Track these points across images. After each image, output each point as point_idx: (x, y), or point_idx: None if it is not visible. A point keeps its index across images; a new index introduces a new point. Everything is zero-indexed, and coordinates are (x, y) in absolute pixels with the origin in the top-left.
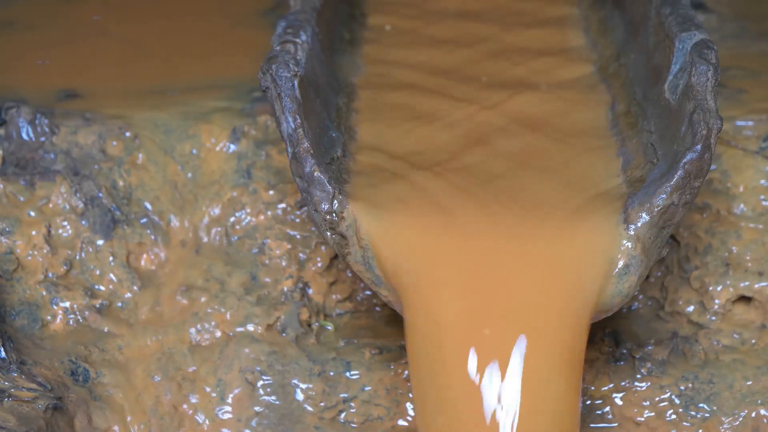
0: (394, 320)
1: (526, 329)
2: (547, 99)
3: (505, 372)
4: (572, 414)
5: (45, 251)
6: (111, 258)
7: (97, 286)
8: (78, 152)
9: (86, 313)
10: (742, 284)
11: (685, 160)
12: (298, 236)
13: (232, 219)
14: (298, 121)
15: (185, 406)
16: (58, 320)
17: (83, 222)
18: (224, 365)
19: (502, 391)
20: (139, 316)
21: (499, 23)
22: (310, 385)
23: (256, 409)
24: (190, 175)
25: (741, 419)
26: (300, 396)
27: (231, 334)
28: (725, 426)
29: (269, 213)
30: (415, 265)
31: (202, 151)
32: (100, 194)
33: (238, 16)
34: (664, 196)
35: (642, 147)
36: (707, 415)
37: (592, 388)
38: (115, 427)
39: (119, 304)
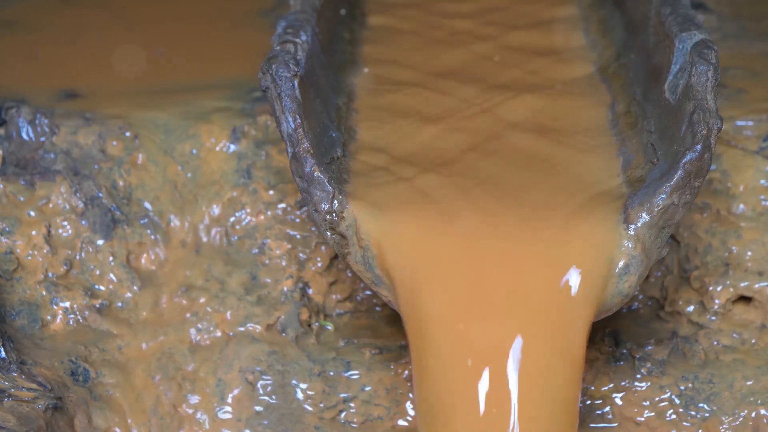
0: (394, 320)
1: (526, 329)
2: (547, 99)
3: (505, 372)
4: (571, 414)
5: (45, 251)
6: (111, 258)
7: (97, 286)
8: (78, 152)
9: (86, 313)
10: (742, 284)
11: (685, 160)
12: (298, 236)
13: (232, 219)
14: (298, 121)
15: (185, 406)
16: (58, 320)
17: (83, 222)
18: (224, 365)
19: (502, 391)
20: (139, 316)
21: (499, 24)
22: (310, 385)
23: (256, 409)
24: (190, 175)
25: (741, 419)
26: (300, 396)
27: (231, 334)
28: (725, 426)
29: (269, 213)
30: (415, 265)
31: (202, 151)
32: (100, 194)
33: (238, 17)
34: (664, 196)
35: (642, 147)
36: (707, 415)
37: (592, 388)
38: (116, 428)
39: (119, 304)
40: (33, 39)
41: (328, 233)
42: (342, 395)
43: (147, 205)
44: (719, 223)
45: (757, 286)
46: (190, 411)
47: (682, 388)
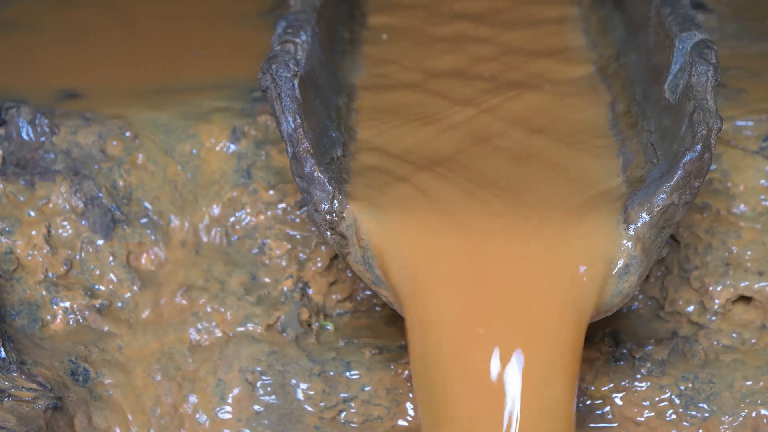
0: (394, 320)
1: (526, 328)
2: (548, 99)
3: (505, 371)
4: (569, 412)
5: (45, 251)
6: (111, 258)
7: (97, 286)
8: (78, 152)
9: (86, 313)
10: (742, 284)
11: (685, 160)
12: (298, 236)
13: (232, 219)
14: (298, 121)
15: (185, 406)
16: (58, 320)
17: (83, 222)
18: (224, 365)
19: (501, 390)
20: (139, 316)
21: (500, 24)
22: (310, 385)
23: (256, 409)
24: (190, 175)
25: (741, 419)
26: (300, 396)
27: (231, 334)
28: (725, 426)
29: (269, 213)
30: (415, 265)
31: (202, 151)
32: (100, 194)
33: (238, 16)
34: (664, 196)
35: (642, 147)
36: (707, 415)
37: (592, 388)
38: (116, 428)
39: (119, 304)
40: (33, 39)
41: (328, 233)
42: (342, 395)
43: (147, 205)
44: (719, 223)
45: (757, 286)
46: (190, 411)
47: (682, 388)
